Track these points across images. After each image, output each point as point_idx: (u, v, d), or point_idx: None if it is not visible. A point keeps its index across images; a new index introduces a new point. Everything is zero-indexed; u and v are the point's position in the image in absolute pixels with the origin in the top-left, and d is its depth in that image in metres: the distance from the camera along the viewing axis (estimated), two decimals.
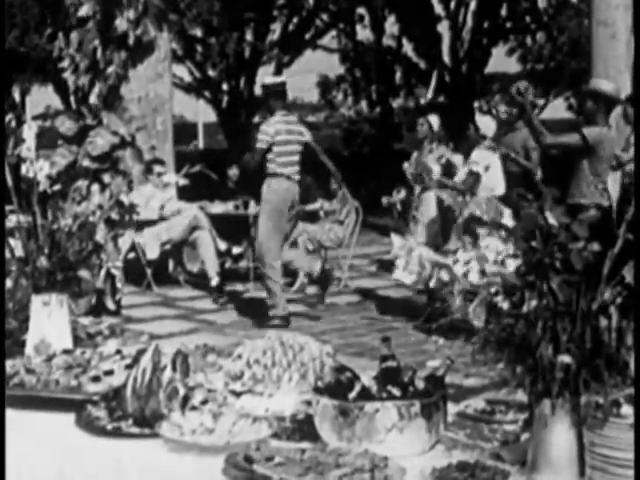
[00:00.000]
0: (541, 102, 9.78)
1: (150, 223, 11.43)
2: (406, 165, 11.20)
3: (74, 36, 12.97)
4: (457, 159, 10.22)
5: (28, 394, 3.12)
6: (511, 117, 8.83)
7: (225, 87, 28.75)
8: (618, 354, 2.31)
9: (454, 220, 9.20)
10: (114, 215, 3.92)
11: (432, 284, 8.76)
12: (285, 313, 9.39)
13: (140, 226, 11.22)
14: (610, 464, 2.29)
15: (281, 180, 9.30)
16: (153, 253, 11.54)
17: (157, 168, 12.13)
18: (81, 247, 3.52)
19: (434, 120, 10.89)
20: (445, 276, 8.48)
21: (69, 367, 3.25)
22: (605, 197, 2.37)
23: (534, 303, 2.37)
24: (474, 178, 8.90)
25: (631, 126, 9.76)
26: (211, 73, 28.51)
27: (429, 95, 26.83)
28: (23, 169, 3.57)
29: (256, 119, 29.48)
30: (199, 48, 27.92)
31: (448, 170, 10.31)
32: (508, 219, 8.53)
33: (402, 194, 12.58)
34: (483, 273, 7.87)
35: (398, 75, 32.02)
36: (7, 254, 3.52)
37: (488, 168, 8.92)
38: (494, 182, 8.94)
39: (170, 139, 13.63)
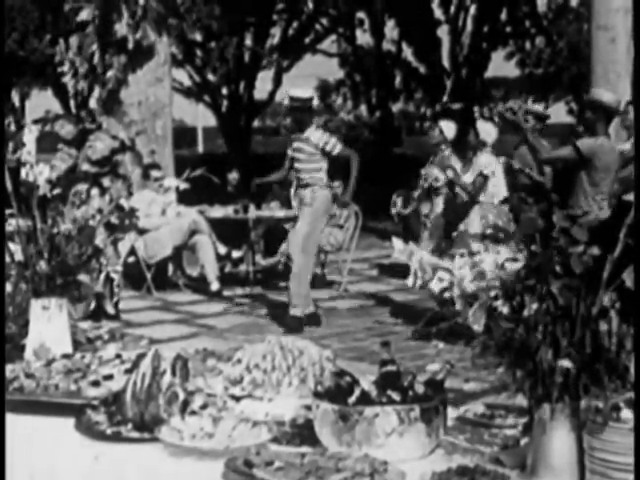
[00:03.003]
0: (546, 113, 9.76)
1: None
2: (425, 171, 11.19)
3: (74, 40, 12.98)
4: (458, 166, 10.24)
5: (27, 399, 3.12)
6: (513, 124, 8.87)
7: (225, 91, 28.78)
8: (618, 358, 2.31)
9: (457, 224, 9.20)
10: (114, 219, 3.92)
11: (434, 286, 8.75)
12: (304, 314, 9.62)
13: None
14: (610, 468, 2.28)
15: (329, 191, 9.82)
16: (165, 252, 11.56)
17: (154, 173, 12.14)
18: (81, 251, 3.52)
19: (450, 126, 10.90)
20: (446, 280, 8.48)
21: (69, 371, 3.25)
22: (603, 208, 2.38)
23: (534, 307, 2.37)
24: (482, 180, 8.90)
25: (627, 132, 9.77)
26: (211, 77, 28.54)
27: (444, 100, 26.85)
28: (23, 173, 3.58)
29: (255, 123, 29.57)
30: (199, 52, 27.96)
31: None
32: (511, 224, 8.55)
33: (400, 200, 12.60)
34: (482, 276, 7.86)
35: (398, 79, 32.06)
36: (7, 258, 3.52)
37: (494, 173, 8.94)
38: (497, 189, 8.95)
39: (170, 143, 13.64)
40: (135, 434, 2.87)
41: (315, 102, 9.89)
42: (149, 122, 13.35)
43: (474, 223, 8.89)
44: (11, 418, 3.03)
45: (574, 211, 7.80)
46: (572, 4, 27.83)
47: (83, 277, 3.56)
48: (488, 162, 8.96)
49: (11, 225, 3.54)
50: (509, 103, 8.66)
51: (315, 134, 9.70)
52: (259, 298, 11.33)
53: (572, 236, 2.37)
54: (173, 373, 2.98)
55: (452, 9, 29.27)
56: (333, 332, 9.37)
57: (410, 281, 9.05)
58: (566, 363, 2.31)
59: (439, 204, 10.31)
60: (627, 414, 2.29)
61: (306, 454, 2.58)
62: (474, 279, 8.06)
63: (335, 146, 9.62)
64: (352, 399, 2.67)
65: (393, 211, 12.47)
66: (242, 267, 12.40)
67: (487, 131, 9.05)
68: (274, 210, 12.45)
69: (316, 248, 9.92)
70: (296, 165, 9.77)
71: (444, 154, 10.93)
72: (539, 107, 9.65)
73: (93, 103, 13.18)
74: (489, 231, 8.55)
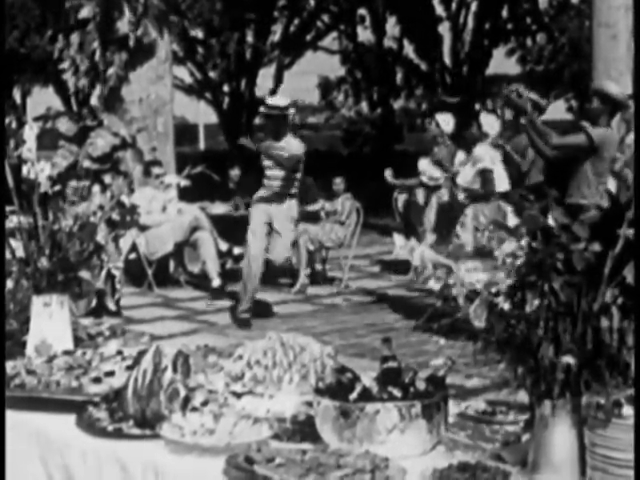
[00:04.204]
0: (544, 102, 9.74)
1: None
2: (423, 164, 11.18)
3: (74, 37, 12.97)
4: (460, 156, 10.23)
5: (29, 395, 3.12)
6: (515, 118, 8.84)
7: (226, 88, 28.78)
8: (619, 355, 2.31)
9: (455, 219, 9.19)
10: (115, 216, 3.92)
11: (434, 284, 8.76)
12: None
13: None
14: (611, 465, 2.28)
15: (296, 201, 9.82)
16: (166, 249, 11.55)
17: (155, 169, 12.14)
18: (82, 248, 3.52)
19: (448, 119, 10.89)
20: (446, 276, 8.48)
21: (70, 368, 3.25)
22: (605, 197, 2.37)
23: (535, 303, 2.37)
24: (486, 176, 8.86)
25: (626, 126, 9.75)
26: (212, 74, 28.54)
27: (440, 93, 26.88)
28: (24, 170, 3.57)
29: (257, 120, 29.56)
30: (200, 49, 27.95)
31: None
32: (511, 219, 8.52)
33: (404, 195, 12.61)
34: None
35: (399, 76, 32.04)
36: (8, 255, 3.52)
37: (494, 162, 8.90)
38: (497, 179, 8.92)
39: (171, 140, 13.63)
40: (136, 431, 2.87)
41: (291, 111, 9.81)
42: (150, 119, 13.34)
43: (467, 226, 8.86)
44: (12, 415, 3.03)
45: (574, 199, 7.78)
46: (573, 1, 27.77)
47: (84, 274, 3.56)
48: (484, 152, 8.93)
49: (12, 222, 3.54)
50: (514, 86, 8.61)
51: (293, 143, 9.67)
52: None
53: (573, 232, 2.37)
54: (174, 369, 2.98)
55: (453, 6, 29.26)
56: (334, 328, 9.38)
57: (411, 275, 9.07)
58: (568, 359, 2.31)
59: (433, 203, 10.32)
60: (628, 410, 2.29)
61: (307, 451, 2.58)
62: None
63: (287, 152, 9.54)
64: (353, 395, 2.67)
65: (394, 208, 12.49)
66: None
67: (490, 124, 9.04)
68: None
69: None
70: (268, 173, 9.70)
71: (442, 150, 10.93)
72: (537, 96, 9.63)
73: (94, 100, 13.17)
74: (485, 233, 8.52)
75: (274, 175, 9.61)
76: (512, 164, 9.03)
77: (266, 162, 9.65)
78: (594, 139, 7.92)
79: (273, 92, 29.71)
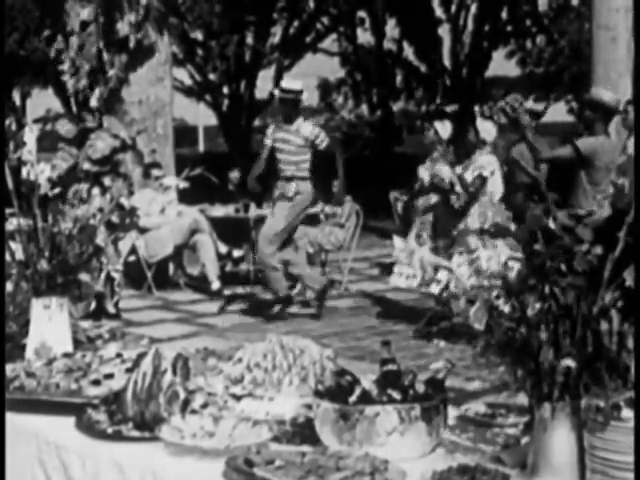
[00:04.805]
0: (541, 107, 9.75)
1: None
2: (422, 170, 11.20)
3: (74, 39, 12.97)
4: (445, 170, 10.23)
5: (28, 398, 3.12)
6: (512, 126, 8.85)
7: (226, 90, 28.75)
8: (619, 357, 2.31)
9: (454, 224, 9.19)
10: (114, 218, 3.92)
11: (434, 287, 8.76)
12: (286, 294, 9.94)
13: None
14: (610, 467, 2.28)
15: (310, 183, 9.83)
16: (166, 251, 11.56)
17: (155, 172, 12.14)
18: (81, 250, 3.52)
19: (445, 126, 10.88)
20: (446, 279, 8.48)
21: (69, 371, 3.25)
22: (603, 206, 2.37)
23: (536, 306, 2.37)
24: (481, 182, 8.88)
25: (628, 131, 9.75)
26: (212, 76, 28.52)
27: (438, 100, 26.88)
28: (24, 172, 3.57)
29: (256, 122, 29.56)
30: (200, 51, 27.94)
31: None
32: (510, 222, 8.53)
33: (404, 197, 12.61)
34: (479, 273, 7.87)
35: (399, 78, 32.04)
36: (7, 257, 3.52)
37: (493, 173, 8.92)
38: (495, 187, 8.93)
39: (171, 142, 13.64)
40: (136, 433, 2.87)
41: (304, 95, 9.87)
42: (150, 121, 13.34)
43: (474, 220, 8.86)
44: (11, 417, 3.03)
45: (574, 210, 7.79)
46: (573, 3, 27.76)
47: (84, 276, 3.56)
48: (488, 162, 8.94)
49: (12, 224, 3.54)
50: (509, 98, 8.63)
51: (306, 126, 9.70)
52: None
53: (575, 235, 2.37)
54: (174, 372, 2.98)
55: (453, 8, 29.26)
56: (334, 331, 9.38)
57: (406, 282, 9.06)
58: (569, 362, 2.31)
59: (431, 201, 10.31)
60: (628, 413, 2.29)
61: (307, 453, 2.58)
62: (471, 276, 8.10)
63: (323, 141, 9.66)
64: (353, 398, 2.67)
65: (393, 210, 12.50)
66: (243, 266, 12.40)
67: (487, 130, 9.04)
68: None
69: (282, 239, 9.95)
70: (280, 156, 9.73)
71: (435, 155, 10.94)
72: (534, 105, 9.67)
73: (94, 102, 13.16)
74: (488, 227, 8.54)
75: (287, 160, 9.66)
76: (529, 177, 9.07)
77: (278, 146, 9.72)
78: (581, 150, 7.93)
79: (273, 94, 29.71)
